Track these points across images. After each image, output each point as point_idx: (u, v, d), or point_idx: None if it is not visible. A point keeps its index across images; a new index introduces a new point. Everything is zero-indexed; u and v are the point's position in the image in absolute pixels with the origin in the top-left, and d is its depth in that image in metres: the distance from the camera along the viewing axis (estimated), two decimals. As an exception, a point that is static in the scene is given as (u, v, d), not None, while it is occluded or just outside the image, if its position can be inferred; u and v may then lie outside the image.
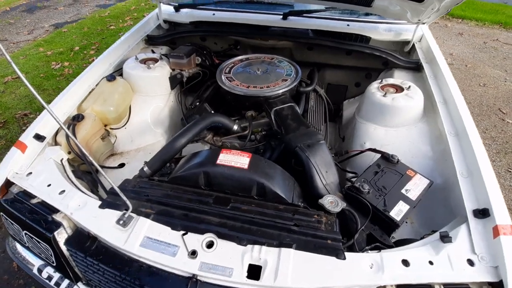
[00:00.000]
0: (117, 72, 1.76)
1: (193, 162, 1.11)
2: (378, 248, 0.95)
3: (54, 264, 1.09)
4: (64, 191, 1.07)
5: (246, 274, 0.83)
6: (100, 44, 4.88)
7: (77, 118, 1.37)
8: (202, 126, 1.31)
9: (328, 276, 0.83)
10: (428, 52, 1.75)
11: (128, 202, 0.93)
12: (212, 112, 1.60)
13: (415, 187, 1.08)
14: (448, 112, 1.35)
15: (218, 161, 1.06)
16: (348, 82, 2.09)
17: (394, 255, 0.87)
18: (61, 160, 1.23)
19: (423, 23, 1.76)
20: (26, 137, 1.24)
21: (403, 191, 1.07)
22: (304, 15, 1.95)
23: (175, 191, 1.06)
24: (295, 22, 1.95)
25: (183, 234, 0.91)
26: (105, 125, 1.56)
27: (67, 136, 1.28)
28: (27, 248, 1.15)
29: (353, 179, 1.14)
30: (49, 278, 1.19)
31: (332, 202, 1.01)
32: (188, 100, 1.96)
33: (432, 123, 1.41)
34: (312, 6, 1.95)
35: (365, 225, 1.00)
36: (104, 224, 0.96)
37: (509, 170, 2.62)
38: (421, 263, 0.86)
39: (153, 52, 2.02)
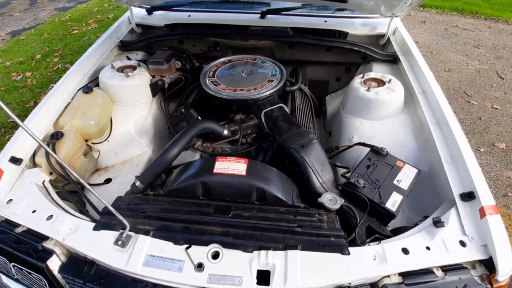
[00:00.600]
0: (93, 83, 1.67)
1: (188, 173, 1.08)
2: (378, 239, 0.99)
3: (49, 295, 1.03)
4: (51, 216, 1.01)
5: (255, 280, 0.84)
6: (63, 50, 4.59)
7: (56, 136, 1.28)
8: (193, 134, 1.28)
9: (336, 273, 0.85)
10: (403, 44, 1.82)
11: (124, 220, 0.89)
12: (199, 118, 1.57)
13: (405, 177, 1.14)
14: (428, 102, 1.42)
15: (215, 170, 1.05)
16: (329, 77, 2.14)
17: (394, 245, 0.91)
18: (43, 183, 1.16)
19: (396, 16, 1.83)
20: (1, 162, 1.15)
21: (395, 182, 1.12)
22: (282, 13, 1.96)
23: (173, 204, 1.03)
24: (273, 20, 1.95)
25: (187, 248, 0.89)
26: (86, 140, 1.48)
27: (48, 156, 1.20)
28: (17, 280, 1.07)
29: (347, 175, 1.17)
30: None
31: (331, 200, 1.03)
32: (171, 107, 1.91)
33: (413, 113, 1.48)
34: (289, 3, 1.95)
35: (363, 218, 1.04)
36: (101, 247, 0.92)
37: (478, 149, 2.82)
38: (419, 249, 0.90)
39: (128, 58, 1.94)
